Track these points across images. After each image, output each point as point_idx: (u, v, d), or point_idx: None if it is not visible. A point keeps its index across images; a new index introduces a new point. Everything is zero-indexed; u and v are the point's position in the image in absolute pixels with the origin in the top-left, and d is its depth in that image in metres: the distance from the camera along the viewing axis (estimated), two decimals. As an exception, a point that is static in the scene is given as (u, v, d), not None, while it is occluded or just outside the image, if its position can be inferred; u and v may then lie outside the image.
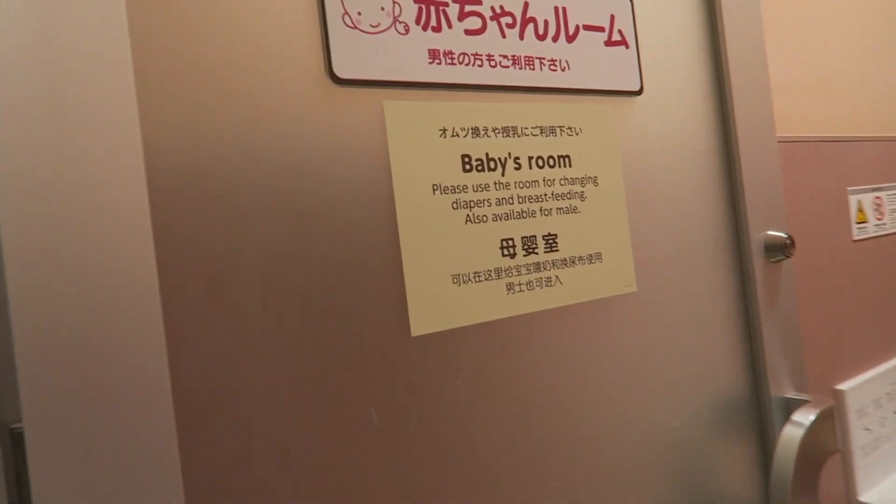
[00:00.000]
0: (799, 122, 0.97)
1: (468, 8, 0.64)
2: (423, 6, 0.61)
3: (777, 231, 0.86)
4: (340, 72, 0.56)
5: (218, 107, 0.51)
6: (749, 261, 0.84)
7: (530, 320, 0.66)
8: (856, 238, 1.13)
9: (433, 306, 0.60)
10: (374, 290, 0.57)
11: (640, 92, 0.77)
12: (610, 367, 0.72)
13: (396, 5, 0.59)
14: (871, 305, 1.10)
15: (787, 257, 0.85)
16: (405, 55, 0.60)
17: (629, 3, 0.77)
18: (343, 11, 0.56)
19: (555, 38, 0.70)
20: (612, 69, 0.75)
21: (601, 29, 0.74)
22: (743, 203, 0.84)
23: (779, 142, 0.93)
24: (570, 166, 0.70)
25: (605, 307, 0.72)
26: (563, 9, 0.71)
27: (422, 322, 0.59)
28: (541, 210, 0.67)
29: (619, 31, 0.76)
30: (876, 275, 1.13)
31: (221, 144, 0.51)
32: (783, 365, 0.85)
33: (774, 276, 0.86)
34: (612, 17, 0.75)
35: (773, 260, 0.86)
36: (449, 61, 0.62)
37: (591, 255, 0.71)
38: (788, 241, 0.85)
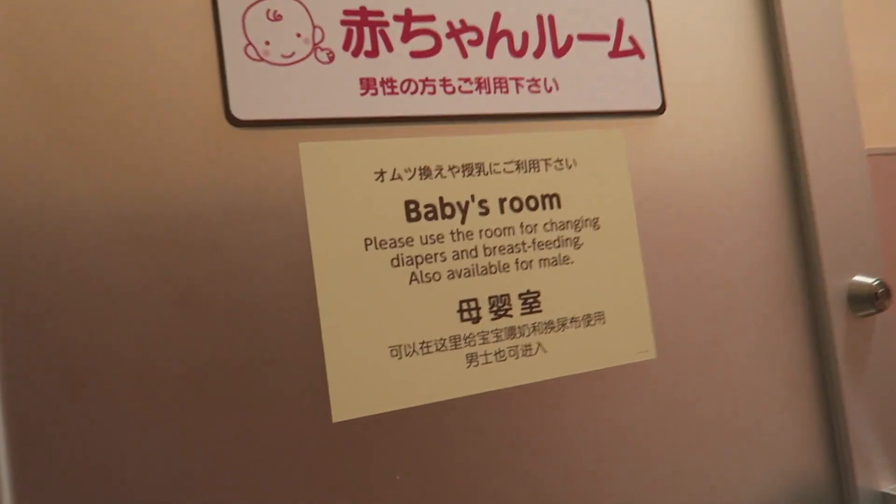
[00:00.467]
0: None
1: (416, 26, 0.54)
2: (354, 28, 0.52)
3: (866, 276, 0.66)
4: (239, 112, 0.48)
5: (80, 156, 0.44)
6: (825, 316, 0.65)
7: (503, 399, 0.54)
8: None
9: (362, 385, 0.49)
10: (286, 370, 0.48)
11: (661, 110, 0.62)
12: (621, 458, 0.57)
13: (317, 30, 0.51)
14: None
15: (881, 310, 0.65)
16: (329, 88, 0.51)
17: (645, 3, 0.63)
18: (246, 42, 0.48)
19: (537, 54, 0.58)
20: (620, 85, 0.61)
21: (604, 37, 0.61)
22: (815, 240, 0.66)
23: (869, 156, 0.73)
24: (558, 207, 0.57)
25: (612, 380, 0.58)
26: (550, 17, 0.59)
27: (346, 405, 0.49)
28: (517, 263, 0.55)
29: (631, 39, 0.62)
30: None
31: (82, 203, 0.44)
32: (875, 448, 0.65)
33: (862, 334, 0.66)
34: (620, 21, 0.61)
35: (860, 314, 0.66)
36: (389, 90, 0.52)
37: (588, 316, 0.57)
38: (882, 290, 0.65)
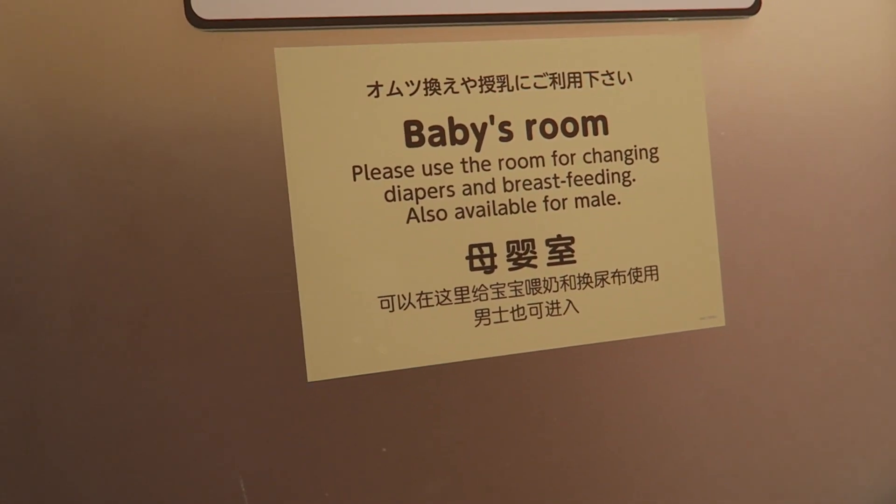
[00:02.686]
0: None
1: None
2: None
3: None
4: (203, 10, 0.40)
5: (14, 62, 0.38)
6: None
7: (519, 365, 0.44)
8: None
9: (344, 341, 0.41)
10: (251, 317, 0.41)
11: (754, 9, 0.48)
12: (672, 450, 0.47)
13: None
14: None
15: None
16: (314, -21, 0.41)
17: None
18: (211, -77, 0.40)
19: (587, -65, 0.45)
20: (699, -24, 0.47)
21: (680, -87, 0.47)
22: (961, 185, 0.50)
23: None
24: (605, 133, 0.45)
25: (665, 351, 0.46)
26: None
27: (324, 363, 0.41)
28: (545, 202, 0.44)
29: (718, -85, 0.47)
30: None
31: (18, 116, 0.38)
32: None
33: None
34: None
35: None
36: (389, -17, 0.42)
37: (636, 270, 0.46)
38: None
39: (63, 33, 0.38)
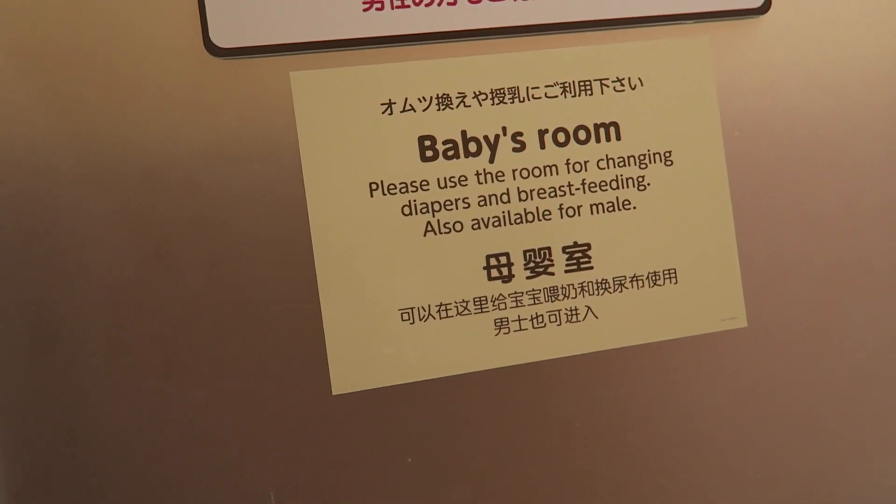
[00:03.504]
0: None
1: (432, -79, 0.44)
2: (354, -70, 0.43)
3: None
4: (220, 38, 0.41)
5: (43, 96, 0.40)
6: None
7: (540, 373, 0.45)
8: None
9: (367, 354, 0.42)
10: (276, 334, 0.42)
11: (763, 8, 0.48)
12: (694, 454, 0.47)
13: (310, -65, 0.42)
14: None
15: None
16: (326, 4, 0.43)
17: None
18: (226, -45, 0.41)
19: (592, -55, 0.46)
20: (707, -22, 0.47)
21: (685, -83, 0.47)
22: None
23: None
24: (617, 139, 0.46)
25: (687, 354, 0.46)
26: None
27: (348, 376, 0.42)
28: (561, 209, 0.45)
29: (723, -84, 0.48)
30: None
31: (48, 147, 0.40)
32: None
33: None
34: None
35: None
36: (398, 3, 0.43)
37: (654, 274, 0.46)
38: None
39: (88, 68, 0.40)
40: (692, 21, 0.47)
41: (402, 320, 0.43)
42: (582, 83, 0.45)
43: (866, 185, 0.49)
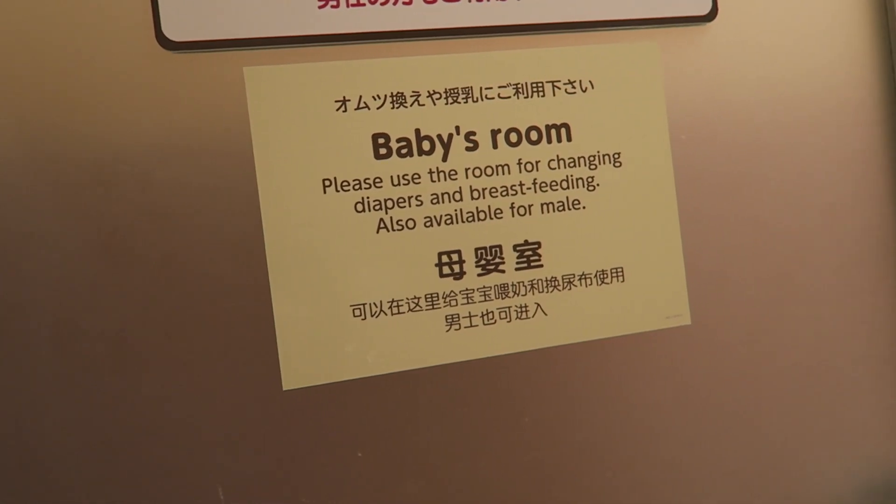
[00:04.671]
0: None
1: (388, -79, 0.44)
2: (310, -73, 0.43)
3: None
4: (173, 32, 0.41)
5: (-10, 94, 0.39)
6: (927, 275, 0.51)
7: (490, 368, 0.46)
8: None
9: (318, 349, 0.43)
10: (227, 330, 0.42)
11: (710, 16, 0.50)
12: (641, 449, 0.48)
13: (265, -69, 0.43)
14: None
15: None
16: (280, 1, 0.43)
17: None
18: (179, -51, 0.41)
19: (546, -51, 0.47)
20: (657, -14, 0.49)
21: (636, -75, 0.48)
22: (919, 180, 0.51)
23: None
24: (568, 140, 0.47)
25: (632, 350, 0.48)
26: None
27: (299, 371, 0.43)
28: (512, 208, 0.46)
29: (674, -74, 0.49)
30: None
31: (1, 142, 0.39)
32: None
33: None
34: None
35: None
36: (353, 1, 0.44)
37: (602, 273, 0.47)
38: None
39: (37, 57, 0.40)
40: (642, 27, 0.48)
41: (354, 316, 0.43)
42: (534, 84, 0.46)
43: (809, 190, 0.51)
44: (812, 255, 0.51)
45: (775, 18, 0.50)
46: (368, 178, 0.44)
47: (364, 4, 0.44)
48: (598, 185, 0.47)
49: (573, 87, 0.47)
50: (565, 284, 0.46)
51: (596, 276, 0.47)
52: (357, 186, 0.44)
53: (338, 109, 0.43)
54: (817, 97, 0.51)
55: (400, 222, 0.44)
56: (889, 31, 0.52)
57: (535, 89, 0.46)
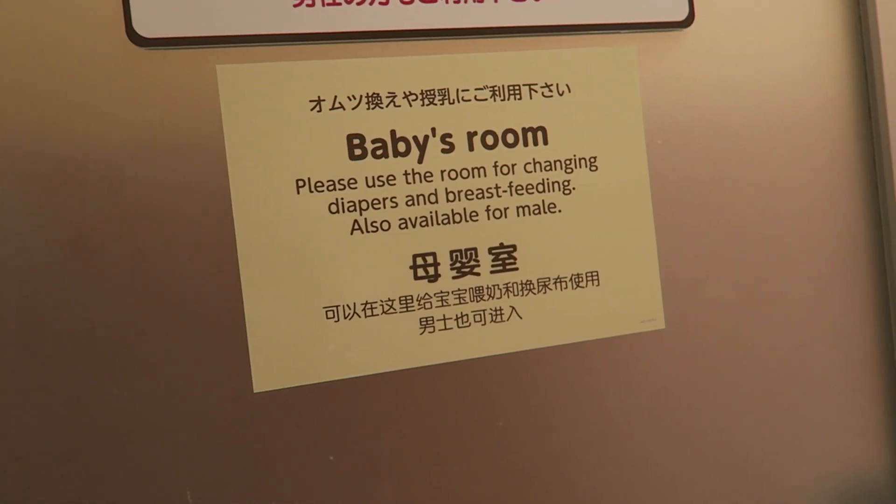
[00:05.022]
0: None
1: (366, -80, 0.44)
2: (286, -75, 0.43)
3: (958, 232, 0.52)
4: (144, 28, 0.41)
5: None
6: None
7: (464, 371, 0.45)
8: None
9: (290, 351, 0.42)
10: (198, 330, 0.41)
11: (687, 22, 0.50)
12: (613, 452, 0.48)
13: (240, -72, 0.42)
14: None
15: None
16: (254, -2, 0.42)
17: None
18: (151, -56, 0.41)
19: (524, -48, 0.47)
20: (635, -9, 0.49)
21: (614, -70, 0.48)
22: (890, 190, 0.52)
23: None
24: (544, 143, 0.47)
25: (607, 354, 0.48)
26: None
27: (270, 373, 0.42)
28: (488, 211, 0.46)
29: (651, -69, 0.49)
30: None
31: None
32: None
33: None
34: None
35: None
36: (329, 0, 0.43)
37: (577, 276, 0.47)
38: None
39: (5, 51, 0.39)
40: (619, 31, 0.48)
41: (327, 318, 0.43)
42: (511, 87, 0.46)
43: (783, 194, 0.51)
44: (786, 261, 0.51)
45: (751, 25, 0.51)
46: (343, 179, 0.43)
47: (340, 4, 0.43)
48: (573, 188, 0.47)
49: (550, 91, 0.47)
50: (540, 288, 0.46)
51: (571, 279, 0.47)
52: (331, 187, 0.43)
53: (312, 109, 0.43)
54: (792, 104, 0.51)
55: (374, 224, 0.44)
56: (863, 41, 0.53)
57: (511, 92, 0.46)
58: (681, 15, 0.50)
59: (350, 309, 0.43)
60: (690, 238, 0.49)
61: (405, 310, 0.44)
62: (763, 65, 0.51)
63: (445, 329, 0.45)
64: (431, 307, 0.44)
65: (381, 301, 0.44)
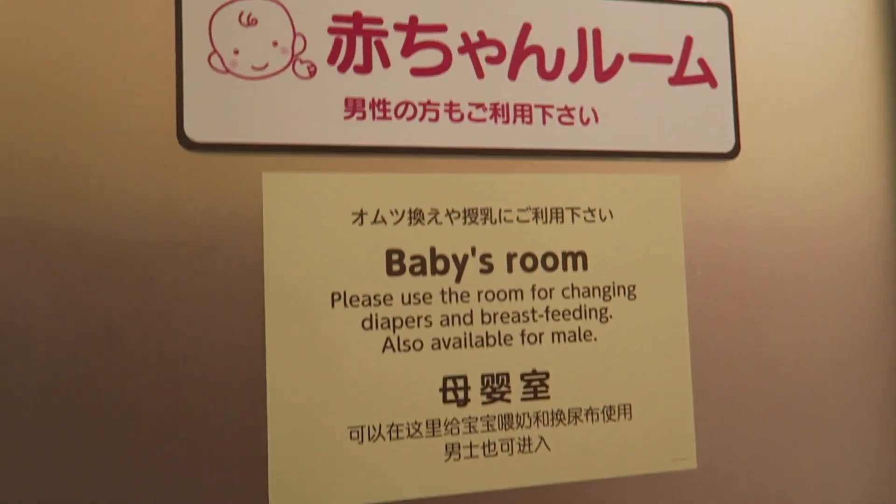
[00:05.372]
0: None
1: (422, 37, 0.44)
2: (344, 37, 0.43)
3: None
4: (194, 133, 0.40)
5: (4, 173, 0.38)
6: (935, 432, 0.50)
7: (492, 500, 0.43)
8: None
9: (312, 471, 0.40)
10: (218, 440, 0.40)
11: (733, 153, 0.50)
12: (635, 587, 0.46)
13: (299, 38, 0.42)
14: None
15: None
16: (307, 108, 0.42)
17: (724, 17, 0.50)
18: (211, 50, 0.41)
19: (574, 77, 0.47)
20: (682, 119, 0.49)
21: (665, 59, 0.49)
22: (930, 333, 0.51)
23: None
24: (584, 269, 0.46)
25: (637, 492, 0.46)
26: (595, 31, 0.47)
27: (289, 494, 0.40)
28: (522, 335, 0.44)
29: (701, 62, 0.50)
30: None
31: (4, 231, 0.38)
32: None
33: None
34: (689, 39, 0.49)
35: None
36: (380, 114, 0.43)
37: (609, 409, 0.45)
38: None
39: (55, 148, 0.39)
40: (664, 159, 0.48)
41: (351, 439, 0.41)
42: (554, 210, 0.46)
43: (821, 333, 0.50)
44: (821, 401, 0.50)
45: (796, 160, 0.51)
46: (379, 295, 0.42)
47: (390, 118, 0.43)
48: (611, 316, 0.46)
49: (592, 216, 0.46)
50: (571, 419, 0.45)
51: (603, 411, 0.45)
52: (366, 302, 0.42)
53: (354, 222, 0.42)
54: (832, 244, 0.51)
55: (407, 342, 0.43)
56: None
57: (554, 215, 0.46)
58: (727, 147, 0.50)
59: (375, 430, 0.42)
60: (726, 374, 0.48)
61: (431, 434, 0.42)
62: (806, 202, 0.51)
63: (472, 457, 0.43)
64: (458, 433, 0.43)
65: (408, 423, 0.42)
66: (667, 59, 0.49)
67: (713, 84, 0.50)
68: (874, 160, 0.52)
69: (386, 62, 0.43)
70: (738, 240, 0.49)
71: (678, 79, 0.49)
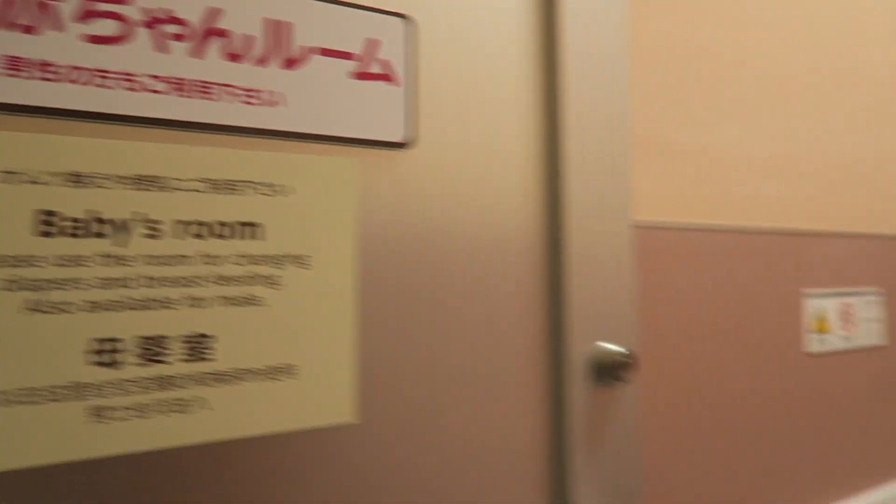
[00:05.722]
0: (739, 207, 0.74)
1: (101, 7, 0.44)
2: (1, -8, 0.42)
3: (616, 345, 0.62)
4: None
5: None
6: (565, 382, 0.61)
7: (145, 464, 0.44)
8: (811, 351, 0.89)
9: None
10: None
11: (406, 144, 0.56)
12: (294, 536, 0.49)
13: (-59, -15, 0.40)
14: (825, 437, 0.84)
15: (625, 381, 0.61)
16: (-53, 57, 0.40)
17: (408, 25, 0.57)
18: None
19: (261, 62, 0.50)
20: (362, 111, 0.54)
21: (347, 56, 0.54)
22: (565, 303, 0.61)
23: (637, 228, 0.70)
24: (259, 239, 0.49)
25: (300, 446, 0.49)
26: (288, 25, 0.51)
27: None
28: (187, 299, 0.46)
29: (383, 62, 0.55)
30: (834, 397, 0.87)
31: None
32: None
33: (601, 407, 0.62)
34: (374, 42, 0.55)
35: (603, 383, 0.62)
36: (46, 75, 0.43)
37: (272, 368, 0.49)
38: (628, 359, 0.61)
39: None
40: (344, 144, 0.53)
41: (-18, 402, 0.40)
42: (228, 182, 0.48)
43: (473, 305, 0.58)
44: (469, 359, 0.58)
45: (465, 155, 0.59)
46: (24, 256, 0.41)
47: (59, 80, 0.43)
48: (282, 284, 0.49)
49: (271, 190, 0.50)
50: (234, 378, 0.47)
51: (266, 371, 0.48)
52: (9, 263, 0.41)
53: (4, 181, 0.41)
54: (486, 230, 0.59)
55: (54, 305, 0.42)
56: (557, 176, 0.63)
57: (229, 187, 0.48)
58: (398, 136, 0.56)
59: (13, 395, 0.41)
60: (392, 338, 0.54)
61: (76, 398, 0.42)
62: (471, 189, 0.59)
63: (124, 420, 0.43)
64: (107, 396, 0.43)
65: (46, 387, 0.42)
66: (353, 56, 0.54)
67: (391, 81, 0.56)
68: (530, 160, 0.62)
69: (58, 26, 0.43)
70: (409, 222, 0.55)
71: (360, 74, 0.54)
